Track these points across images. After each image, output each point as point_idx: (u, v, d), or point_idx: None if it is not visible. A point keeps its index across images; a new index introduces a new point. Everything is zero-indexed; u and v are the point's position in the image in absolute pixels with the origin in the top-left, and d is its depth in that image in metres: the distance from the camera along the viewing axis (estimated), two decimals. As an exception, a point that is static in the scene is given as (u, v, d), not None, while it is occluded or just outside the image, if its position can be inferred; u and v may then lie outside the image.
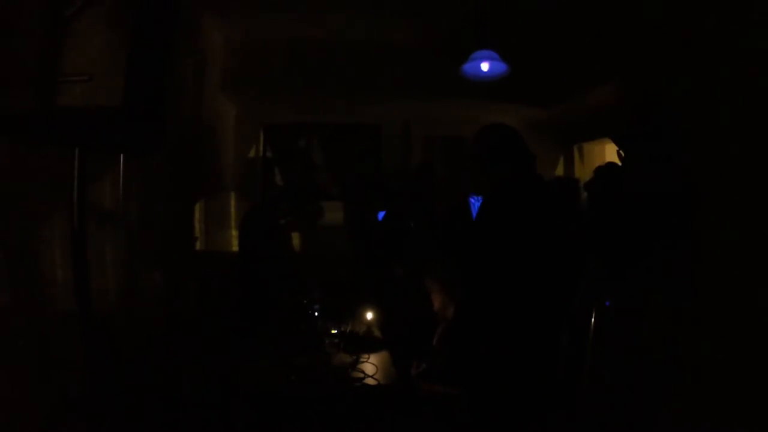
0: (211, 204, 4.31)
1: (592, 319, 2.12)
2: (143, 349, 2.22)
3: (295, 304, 2.85)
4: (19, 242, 1.57)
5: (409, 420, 2.00)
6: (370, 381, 2.04)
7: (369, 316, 2.65)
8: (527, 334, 1.81)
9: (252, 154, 5.42)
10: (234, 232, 4.78)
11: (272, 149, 5.51)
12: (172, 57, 1.38)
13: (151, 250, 2.70)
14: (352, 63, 4.46)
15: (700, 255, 2.03)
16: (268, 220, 3.58)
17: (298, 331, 2.59)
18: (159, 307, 2.73)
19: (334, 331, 2.47)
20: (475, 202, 2.84)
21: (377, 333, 2.61)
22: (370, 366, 2.18)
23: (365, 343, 2.43)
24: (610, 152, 3.81)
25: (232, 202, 5.04)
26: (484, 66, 3.64)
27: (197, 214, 3.96)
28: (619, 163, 2.52)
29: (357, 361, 2.21)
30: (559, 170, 5.14)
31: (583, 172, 4.58)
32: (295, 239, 4.53)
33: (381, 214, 3.78)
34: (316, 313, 2.69)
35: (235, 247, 4.30)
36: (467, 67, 3.66)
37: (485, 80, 3.74)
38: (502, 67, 3.64)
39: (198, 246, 3.94)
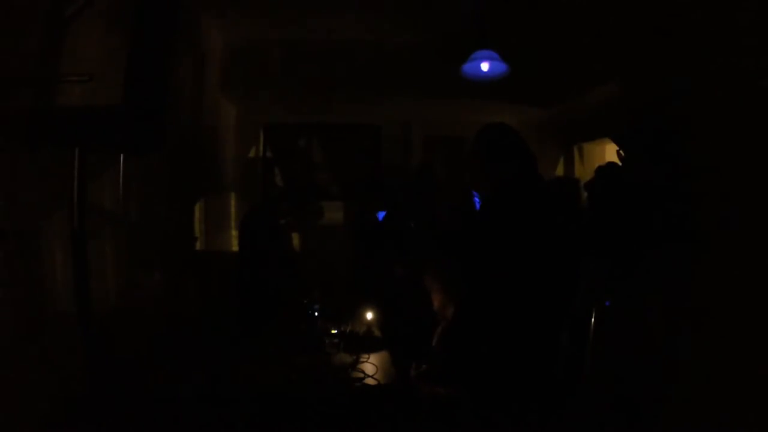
0: (211, 204, 4.31)
1: (592, 319, 2.11)
2: (143, 349, 2.22)
3: (295, 304, 2.85)
4: (19, 242, 1.57)
5: (409, 420, 2.00)
6: (370, 381, 2.04)
7: (369, 316, 2.65)
8: (527, 334, 1.81)
9: (252, 154, 5.42)
10: (234, 232, 4.78)
11: (272, 149, 5.50)
12: (172, 57, 1.38)
13: (151, 250, 2.71)
14: (352, 63, 4.46)
15: (700, 255, 2.03)
16: (268, 220, 3.58)
17: (298, 331, 2.59)
18: (159, 307, 2.73)
19: (334, 331, 2.47)
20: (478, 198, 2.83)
21: (377, 333, 2.61)
22: (370, 366, 2.18)
23: (365, 343, 2.43)
24: (610, 152, 3.79)
25: (232, 203, 5.04)
26: (484, 66, 3.64)
27: (197, 214, 3.97)
28: (619, 163, 2.52)
29: (357, 361, 2.21)
30: (559, 170, 5.12)
31: (583, 172, 4.57)
32: (295, 239, 4.53)
33: (381, 214, 3.78)
34: (316, 313, 2.69)
35: (235, 247, 4.30)
36: (467, 67, 3.66)
37: (485, 80, 3.74)
38: (502, 67, 3.64)
39: (198, 246, 3.95)
